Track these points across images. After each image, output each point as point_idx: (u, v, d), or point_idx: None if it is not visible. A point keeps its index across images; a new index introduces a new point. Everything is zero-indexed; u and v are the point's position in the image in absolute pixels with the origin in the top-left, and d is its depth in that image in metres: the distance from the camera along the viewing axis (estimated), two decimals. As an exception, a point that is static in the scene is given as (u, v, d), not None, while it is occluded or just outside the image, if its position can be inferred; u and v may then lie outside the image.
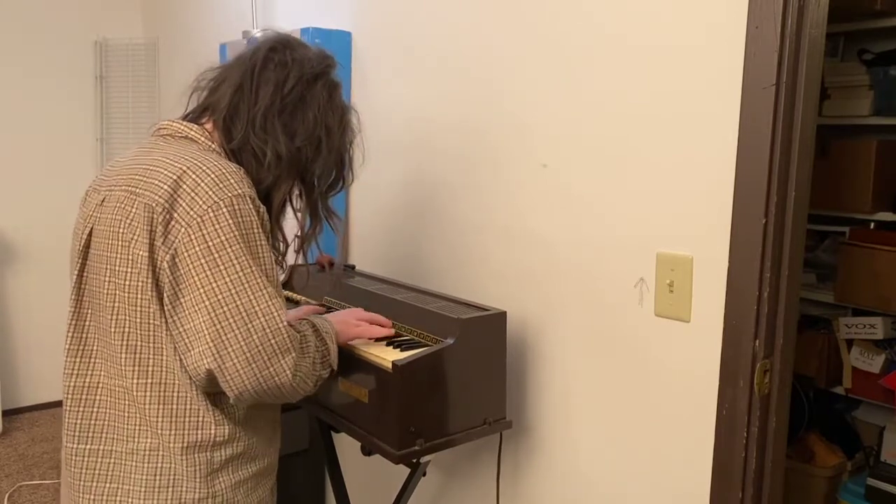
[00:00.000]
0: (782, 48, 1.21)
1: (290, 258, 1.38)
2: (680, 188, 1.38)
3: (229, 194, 1.11)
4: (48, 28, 3.75)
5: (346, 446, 2.16)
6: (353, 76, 2.23)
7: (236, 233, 1.11)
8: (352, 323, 1.45)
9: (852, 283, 2.58)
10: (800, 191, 1.28)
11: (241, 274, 1.10)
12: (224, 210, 1.10)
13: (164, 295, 1.11)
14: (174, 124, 1.25)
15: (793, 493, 2.60)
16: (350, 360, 1.47)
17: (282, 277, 1.93)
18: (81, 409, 1.20)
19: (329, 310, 1.74)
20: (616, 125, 1.49)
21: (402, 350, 1.44)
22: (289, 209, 1.32)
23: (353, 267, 1.99)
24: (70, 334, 1.21)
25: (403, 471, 1.66)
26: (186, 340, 1.11)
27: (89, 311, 1.20)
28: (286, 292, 1.89)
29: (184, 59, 3.57)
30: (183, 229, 1.10)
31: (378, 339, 1.50)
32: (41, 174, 3.79)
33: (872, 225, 2.63)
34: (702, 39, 1.32)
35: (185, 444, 1.16)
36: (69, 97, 3.84)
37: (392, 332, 1.51)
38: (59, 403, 3.86)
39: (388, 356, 1.40)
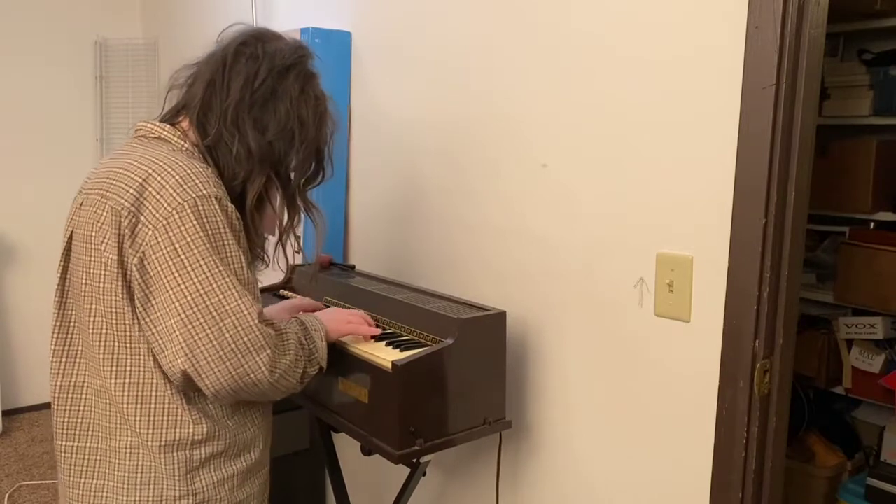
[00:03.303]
0: (782, 48, 1.21)
1: (282, 257, 1.37)
2: (680, 188, 1.38)
3: (193, 195, 1.12)
4: (48, 28, 3.75)
5: (346, 446, 2.16)
6: (353, 76, 2.23)
7: (201, 233, 1.11)
8: (343, 320, 1.45)
9: (852, 283, 2.58)
10: (800, 191, 1.28)
11: (208, 274, 1.11)
12: (188, 211, 1.11)
13: (135, 297, 1.12)
14: (149, 125, 1.26)
15: (793, 493, 2.60)
16: (350, 360, 1.47)
17: (280, 276, 1.93)
18: (68, 407, 1.22)
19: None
20: (616, 125, 1.49)
21: (402, 350, 1.44)
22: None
23: (353, 267, 1.99)
24: (55, 335, 1.23)
25: (403, 471, 1.66)
26: (160, 342, 1.12)
27: (73, 312, 1.22)
28: (287, 292, 1.89)
29: (184, 59, 3.55)
30: (150, 232, 1.11)
31: (372, 338, 1.51)
32: (41, 174, 3.79)
33: (872, 225, 2.63)
34: (702, 39, 1.32)
35: (163, 443, 1.17)
36: (69, 97, 3.84)
37: (378, 330, 1.51)
38: (59, 403, 3.86)
39: (388, 356, 1.40)
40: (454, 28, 1.85)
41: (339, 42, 2.21)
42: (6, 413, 3.70)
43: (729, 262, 1.31)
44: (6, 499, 3.01)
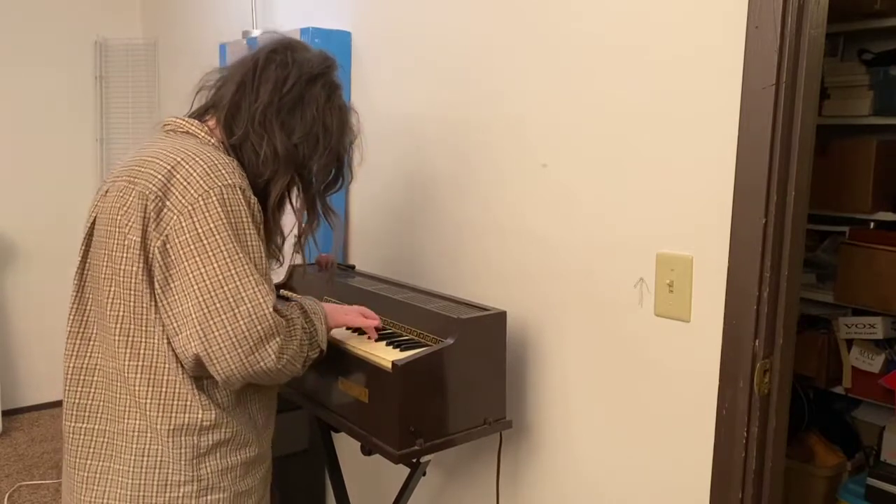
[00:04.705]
0: (782, 48, 1.21)
1: (289, 256, 1.40)
2: (680, 188, 1.38)
3: (219, 184, 1.16)
4: (48, 28, 3.75)
5: (346, 446, 2.16)
6: (353, 76, 2.23)
7: (225, 221, 1.15)
8: (341, 310, 1.48)
9: (852, 283, 2.58)
10: (800, 191, 1.28)
11: (228, 260, 1.14)
12: (213, 198, 1.15)
13: (155, 280, 1.15)
14: (177, 120, 1.30)
15: (793, 493, 2.60)
16: (350, 360, 1.47)
17: (282, 276, 1.93)
18: (79, 389, 1.25)
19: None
20: (616, 125, 1.49)
21: (402, 350, 1.45)
22: (288, 206, 1.36)
23: (353, 267, 1.99)
24: (72, 317, 1.27)
25: (403, 471, 1.66)
26: (175, 324, 1.15)
27: (90, 296, 1.25)
28: (286, 292, 1.89)
29: (184, 59, 3.56)
30: (175, 216, 1.14)
31: (374, 337, 1.52)
32: (41, 174, 3.79)
33: (872, 225, 2.63)
34: (702, 39, 1.32)
35: (172, 427, 1.19)
36: (69, 97, 3.84)
37: (379, 322, 1.53)
38: (59, 403, 3.86)
39: (388, 356, 1.40)
40: (454, 28, 1.85)
41: (339, 42, 2.22)
42: (6, 413, 3.70)
43: (729, 262, 1.31)
44: (6, 499, 3.01)
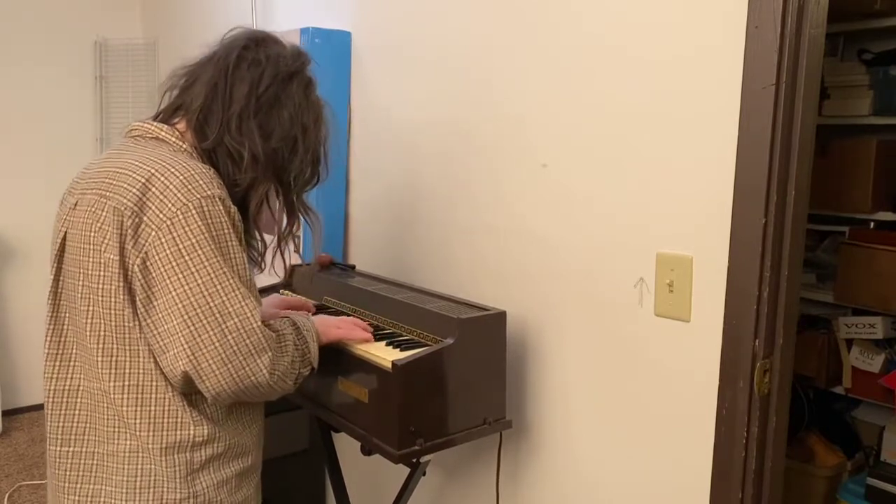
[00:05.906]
0: (782, 48, 1.21)
1: (283, 262, 1.37)
2: (680, 188, 1.38)
3: (198, 196, 1.11)
4: (48, 28, 3.75)
5: (346, 446, 2.16)
6: (353, 76, 2.23)
7: (206, 235, 1.11)
8: (332, 324, 1.45)
9: (852, 283, 2.58)
10: (800, 191, 1.28)
11: (212, 275, 1.11)
12: (193, 212, 1.10)
13: (137, 298, 1.11)
14: (145, 125, 1.25)
15: (793, 493, 2.60)
16: (350, 360, 1.47)
17: (281, 279, 1.93)
18: (63, 412, 1.20)
19: (327, 309, 1.74)
20: (616, 125, 1.49)
21: (402, 350, 1.44)
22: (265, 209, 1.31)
23: (353, 267, 1.99)
24: (48, 338, 1.22)
25: (403, 471, 1.66)
26: (161, 343, 1.11)
27: (66, 314, 1.20)
28: (286, 292, 1.89)
29: (184, 59, 3.56)
30: (153, 232, 1.10)
31: (363, 341, 1.50)
32: (41, 174, 3.79)
33: (872, 225, 2.63)
34: (702, 39, 1.32)
35: (164, 445, 1.16)
36: (69, 97, 3.84)
37: (370, 336, 1.50)
38: (59, 403, 3.86)
39: (388, 356, 1.40)
40: (454, 28, 1.85)
41: (339, 42, 2.21)
42: (6, 413, 3.70)
43: (729, 262, 1.31)
44: (6, 499, 3.01)
